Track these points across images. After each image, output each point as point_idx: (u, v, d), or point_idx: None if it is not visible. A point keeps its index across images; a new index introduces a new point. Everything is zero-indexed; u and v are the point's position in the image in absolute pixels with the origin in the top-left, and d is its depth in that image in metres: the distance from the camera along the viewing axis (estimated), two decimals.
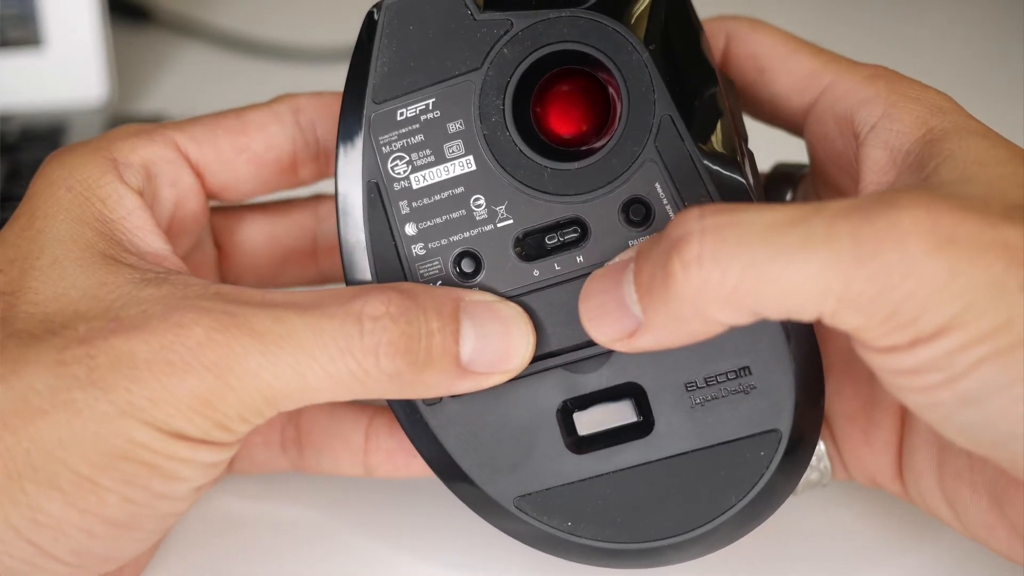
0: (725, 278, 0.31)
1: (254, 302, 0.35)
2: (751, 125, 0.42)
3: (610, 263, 0.35)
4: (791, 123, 0.42)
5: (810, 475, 0.42)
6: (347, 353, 0.34)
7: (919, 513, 0.41)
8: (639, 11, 0.37)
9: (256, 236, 0.45)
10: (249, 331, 0.34)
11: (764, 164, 0.43)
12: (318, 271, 0.46)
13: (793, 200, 0.44)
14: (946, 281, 0.30)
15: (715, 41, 0.43)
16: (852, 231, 0.30)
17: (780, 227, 0.31)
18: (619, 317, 0.34)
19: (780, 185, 0.44)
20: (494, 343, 0.36)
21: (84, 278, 0.36)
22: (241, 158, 0.42)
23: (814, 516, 0.43)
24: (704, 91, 0.37)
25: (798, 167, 0.44)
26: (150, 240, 0.38)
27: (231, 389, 0.34)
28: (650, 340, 0.33)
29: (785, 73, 0.41)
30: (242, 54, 0.79)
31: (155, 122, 0.67)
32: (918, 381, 0.31)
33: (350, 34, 0.76)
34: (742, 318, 0.32)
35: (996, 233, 0.30)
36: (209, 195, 0.42)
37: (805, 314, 0.31)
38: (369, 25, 0.38)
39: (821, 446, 0.42)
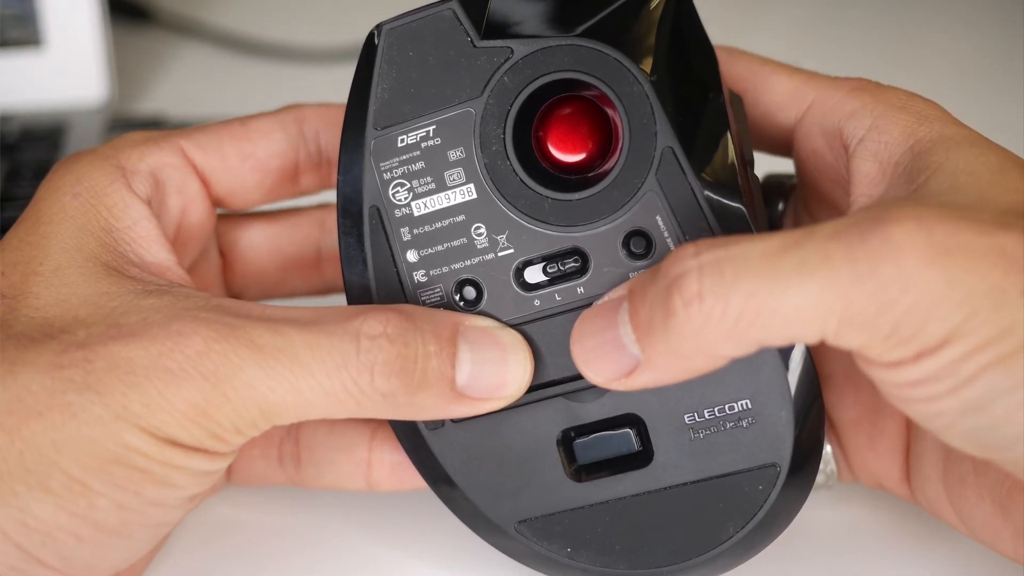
0: (727, 312, 0.31)
1: (254, 315, 0.35)
2: None
3: (599, 303, 0.35)
4: (775, 142, 0.42)
5: (816, 478, 0.42)
6: (343, 370, 0.34)
7: (924, 513, 0.41)
8: (643, 37, 0.37)
9: (260, 245, 0.45)
10: (248, 343, 0.34)
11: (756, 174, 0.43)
12: (322, 280, 0.46)
13: (785, 210, 0.44)
14: (945, 292, 0.30)
15: None
16: (847, 251, 0.30)
17: (775, 255, 0.31)
18: (616, 357, 0.34)
19: (772, 197, 0.44)
20: (490, 369, 0.36)
21: (86, 286, 0.36)
22: (246, 165, 0.42)
23: (820, 515, 0.43)
24: (708, 120, 0.37)
25: (788, 177, 0.45)
26: (155, 251, 0.38)
27: (227, 399, 0.34)
28: (649, 378, 0.33)
29: (767, 92, 0.41)
30: (242, 54, 0.79)
31: (155, 123, 0.68)
32: (923, 392, 0.31)
33: (349, 35, 0.76)
34: (745, 349, 0.32)
35: (991, 240, 0.30)
36: (214, 202, 0.42)
37: (808, 338, 0.31)
38: (369, 49, 0.38)
39: (827, 448, 0.42)
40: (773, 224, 0.44)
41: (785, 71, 0.41)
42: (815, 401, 0.36)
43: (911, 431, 0.40)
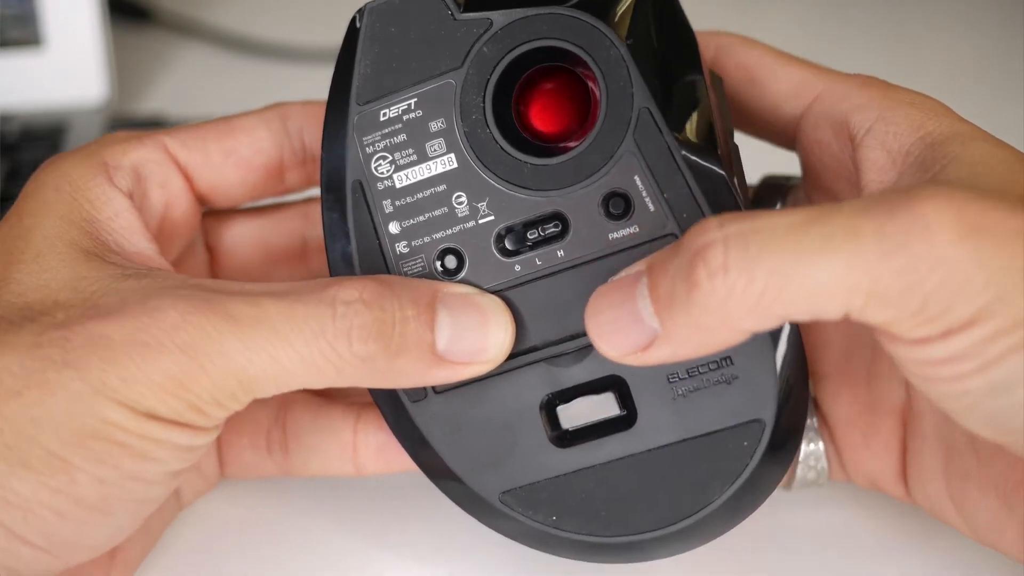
0: (751, 285, 0.31)
1: (231, 290, 0.35)
2: (740, 138, 0.42)
3: (615, 278, 0.34)
4: (782, 132, 0.42)
5: (807, 475, 0.42)
6: (320, 336, 0.34)
7: (920, 513, 0.41)
8: (622, 9, 0.37)
9: (246, 239, 0.46)
10: (224, 315, 0.34)
11: (752, 176, 0.43)
12: (308, 272, 0.46)
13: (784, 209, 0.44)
14: (975, 270, 0.30)
15: (704, 53, 0.42)
16: (876, 226, 0.30)
17: (800, 228, 0.31)
18: (634, 331, 0.33)
19: (770, 196, 0.44)
20: (471, 333, 0.36)
21: (66, 271, 0.36)
22: (228, 162, 0.42)
23: (816, 515, 0.43)
24: (684, 83, 0.37)
25: (787, 179, 0.45)
26: (136, 240, 0.39)
27: (204, 371, 0.34)
28: (668, 352, 0.33)
29: (775, 82, 0.41)
30: (242, 54, 0.80)
31: (155, 123, 0.68)
32: (948, 371, 0.31)
33: None
34: (768, 323, 0.32)
35: (1019, 221, 0.30)
36: (198, 199, 0.43)
37: (832, 313, 0.31)
38: (352, 29, 0.38)
39: (820, 446, 0.42)
40: None
41: (794, 63, 0.41)
42: (799, 356, 0.36)
43: (907, 429, 0.40)
